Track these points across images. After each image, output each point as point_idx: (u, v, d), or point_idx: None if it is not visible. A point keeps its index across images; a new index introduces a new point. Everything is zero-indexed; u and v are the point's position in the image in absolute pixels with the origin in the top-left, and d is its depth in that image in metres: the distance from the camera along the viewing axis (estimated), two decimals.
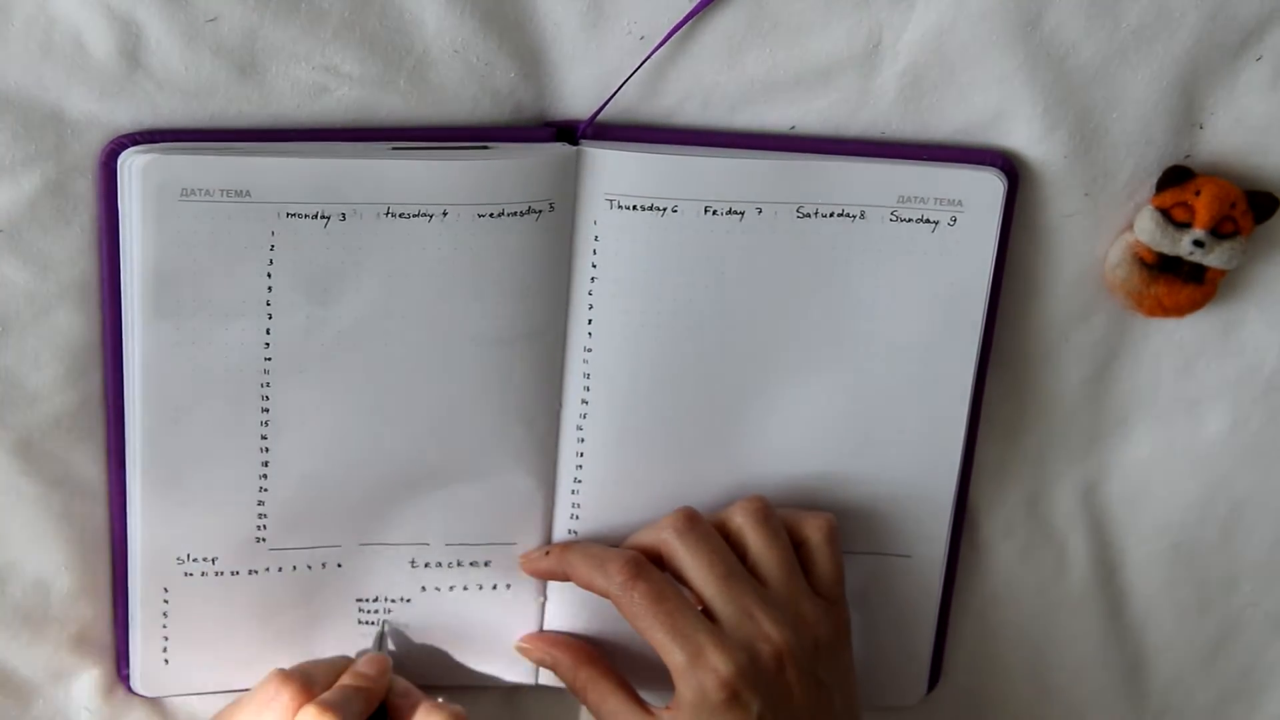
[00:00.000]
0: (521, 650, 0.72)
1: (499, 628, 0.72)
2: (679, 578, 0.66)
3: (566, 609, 0.72)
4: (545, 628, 0.72)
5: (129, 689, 0.70)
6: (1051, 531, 0.75)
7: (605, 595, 0.66)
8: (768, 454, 0.70)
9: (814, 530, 0.68)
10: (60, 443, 0.66)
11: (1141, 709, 0.79)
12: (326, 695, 0.64)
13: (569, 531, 0.71)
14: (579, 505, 0.70)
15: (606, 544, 0.69)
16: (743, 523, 0.68)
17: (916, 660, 0.75)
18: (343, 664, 0.68)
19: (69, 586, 0.68)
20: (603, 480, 0.70)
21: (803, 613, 0.66)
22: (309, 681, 0.65)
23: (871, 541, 0.72)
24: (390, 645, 0.71)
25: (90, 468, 0.67)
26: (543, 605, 0.72)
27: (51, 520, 0.67)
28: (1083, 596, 0.76)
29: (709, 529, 0.67)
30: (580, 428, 0.69)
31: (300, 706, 0.63)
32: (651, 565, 0.66)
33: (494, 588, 0.71)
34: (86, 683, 0.70)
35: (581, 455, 0.70)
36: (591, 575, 0.67)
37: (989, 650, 0.77)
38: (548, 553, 0.69)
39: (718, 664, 0.64)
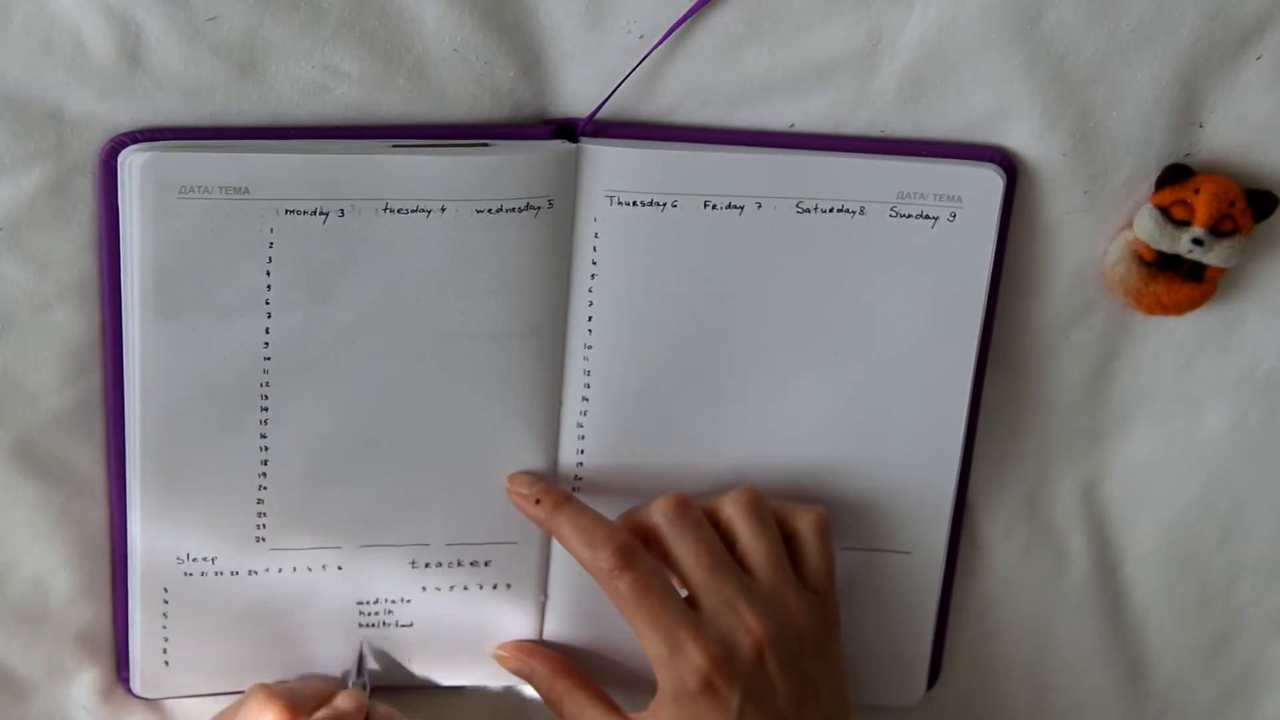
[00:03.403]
0: (498, 659, 0.72)
1: (499, 627, 0.72)
2: (666, 562, 0.66)
3: (566, 608, 0.72)
4: (545, 627, 0.72)
5: (129, 691, 0.70)
6: (1051, 530, 0.75)
7: (589, 572, 0.66)
8: (767, 450, 0.70)
9: (805, 523, 0.68)
10: (60, 442, 0.66)
11: (1141, 708, 0.79)
12: None
13: None
14: None
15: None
16: (733, 513, 0.67)
17: (916, 659, 0.75)
18: (326, 689, 0.68)
19: (68, 586, 0.68)
20: (602, 477, 0.70)
21: (788, 605, 0.66)
22: (295, 702, 0.65)
23: (871, 538, 0.72)
24: (372, 664, 0.71)
25: (90, 467, 0.67)
26: (543, 604, 0.72)
27: (51, 519, 0.67)
28: (1083, 595, 0.76)
29: (699, 516, 0.67)
30: (580, 425, 0.69)
31: None
32: (641, 551, 0.65)
33: (494, 587, 0.71)
34: (85, 683, 0.70)
35: (582, 453, 0.69)
36: (578, 549, 0.66)
37: (988, 649, 0.77)
38: (538, 500, 0.68)
39: (694, 655, 0.63)
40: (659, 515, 0.67)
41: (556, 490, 0.68)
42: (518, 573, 0.71)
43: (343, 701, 0.67)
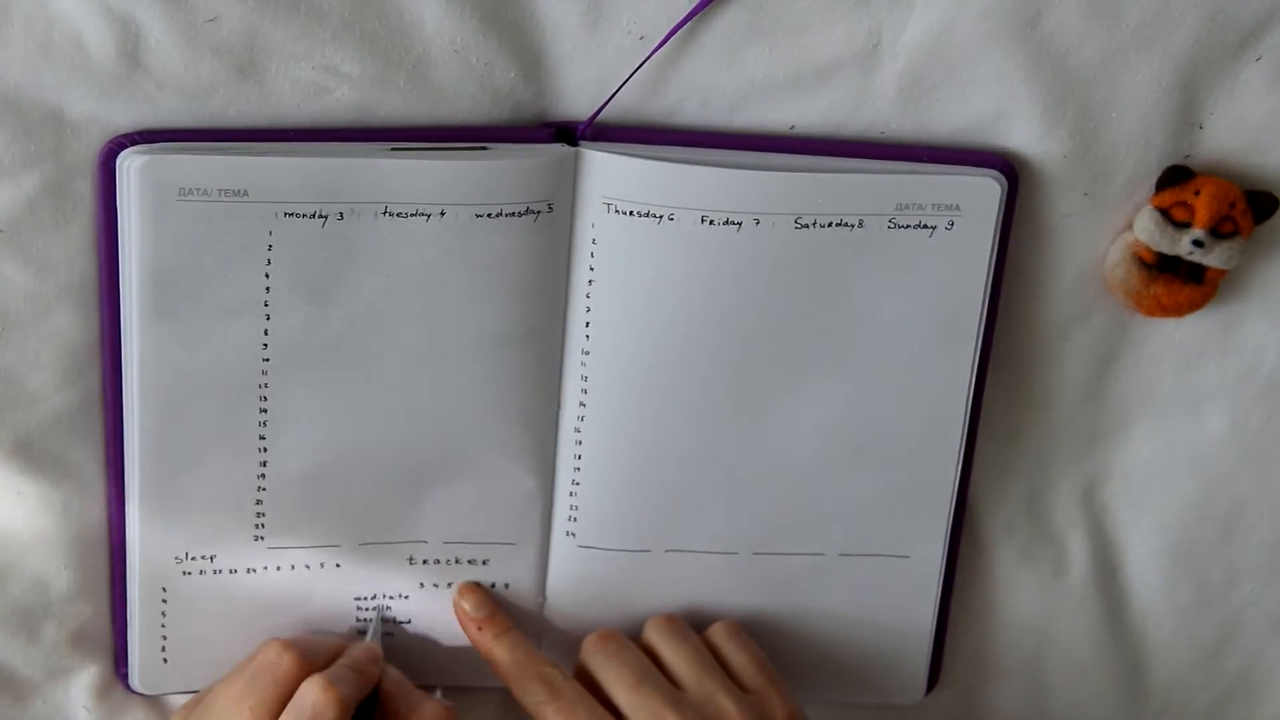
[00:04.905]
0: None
1: None
2: (597, 692, 0.67)
3: (566, 609, 0.72)
4: (543, 628, 0.72)
5: (127, 687, 0.70)
6: (1051, 531, 0.75)
7: (521, 704, 0.67)
8: (766, 458, 0.70)
9: (718, 634, 0.70)
10: (59, 442, 0.66)
11: (1141, 709, 0.79)
12: (330, 671, 0.64)
13: (567, 534, 0.71)
14: (576, 507, 0.70)
15: (597, 555, 0.70)
16: (651, 634, 0.70)
17: (916, 660, 0.75)
18: (338, 645, 0.68)
19: (68, 585, 0.68)
20: (600, 483, 0.70)
21: (722, 708, 0.66)
22: (309, 654, 0.65)
23: (870, 543, 0.72)
24: (382, 635, 0.71)
25: (89, 467, 0.67)
26: (542, 605, 0.72)
27: (50, 519, 0.67)
28: (1083, 596, 0.76)
29: (624, 642, 0.69)
30: (578, 430, 0.69)
31: (302, 676, 0.64)
32: (569, 682, 0.67)
33: (492, 586, 0.71)
34: (85, 681, 0.70)
35: (579, 457, 0.69)
36: (510, 681, 0.68)
37: (988, 650, 0.77)
38: (480, 627, 0.70)
39: None
40: (584, 650, 0.69)
41: (501, 620, 0.70)
42: (516, 573, 0.71)
43: (361, 654, 0.67)
